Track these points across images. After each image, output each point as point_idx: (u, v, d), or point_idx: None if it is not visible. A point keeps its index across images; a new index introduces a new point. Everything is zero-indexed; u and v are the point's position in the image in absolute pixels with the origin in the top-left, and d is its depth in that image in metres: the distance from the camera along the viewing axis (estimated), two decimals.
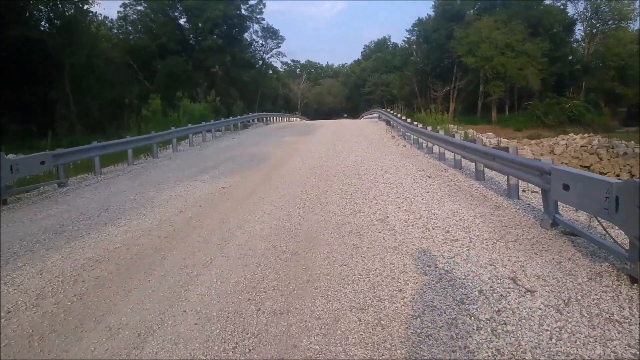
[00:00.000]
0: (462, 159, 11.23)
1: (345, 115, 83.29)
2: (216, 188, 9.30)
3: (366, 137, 19.92)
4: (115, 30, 50.36)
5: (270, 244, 5.56)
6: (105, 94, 36.34)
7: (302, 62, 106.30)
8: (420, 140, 15.96)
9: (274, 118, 38.10)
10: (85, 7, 30.24)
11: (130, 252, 5.43)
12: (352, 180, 9.58)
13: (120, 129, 24.92)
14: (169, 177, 10.94)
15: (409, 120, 20.19)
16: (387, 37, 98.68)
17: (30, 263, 5.18)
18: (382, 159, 12.99)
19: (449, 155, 13.08)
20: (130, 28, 51.05)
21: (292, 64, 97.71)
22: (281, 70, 79.46)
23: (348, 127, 26.86)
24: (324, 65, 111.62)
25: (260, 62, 63.73)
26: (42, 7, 30.35)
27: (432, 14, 60.84)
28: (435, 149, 14.10)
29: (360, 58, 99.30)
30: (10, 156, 10.07)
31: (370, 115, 41.93)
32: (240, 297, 4.08)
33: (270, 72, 69.08)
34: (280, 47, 64.31)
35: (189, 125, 18.58)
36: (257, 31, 60.37)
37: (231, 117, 25.76)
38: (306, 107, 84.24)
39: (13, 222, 7.24)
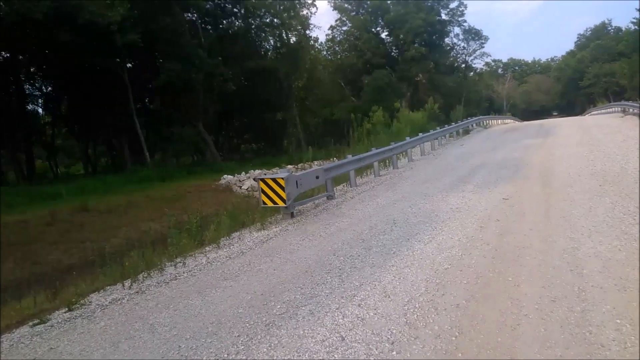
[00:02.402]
0: None
1: (556, 114, 74.83)
2: (496, 199, 8.37)
3: (632, 137, 16.71)
4: (325, 52, 53.95)
5: None
6: (322, 112, 39.03)
7: (505, 60, 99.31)
8: None
9: (490, 121, 35.80)
10: (307, 32, 32.72)
11: (466, 275, 4.83)
12: None
13: (341, 143, 26.06)
14: (429, 188, 10.42)
15: None
16: (606, 21, 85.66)
17: (367, 282, 4.95)
18: None
19: None
20: (337, 48, 54.09)
21: (493, 64, 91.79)
22: (483, 71, 75.38)
23: (590, 125, 23.28)
24: (529, 62, 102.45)
25: (463, 66, 61.28)
26: (270, 38, 33.92)
27: None
28: None
29: (573, 49, 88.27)
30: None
31: (602, 111, 36.34)
32: None
33: (472, 74, 66.05)
34: (483, 47, 60.87)
35: (420, 134, 18.15)
36: (457, 34, 58.31)
37: (453, 124, 24.73)
38: (512, 108, 78.16)
39: (312, 235, 7.42)
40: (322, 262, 5.87)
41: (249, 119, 40.09)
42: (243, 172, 24.41)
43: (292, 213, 9.09)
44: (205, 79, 25.04)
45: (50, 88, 34.15)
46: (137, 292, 5.83)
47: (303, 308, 4.48)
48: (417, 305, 4.23)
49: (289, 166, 26.67)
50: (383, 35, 54.01)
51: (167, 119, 27.14)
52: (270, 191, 8.60)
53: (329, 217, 8.80)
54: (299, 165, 26.50)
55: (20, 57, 29.35)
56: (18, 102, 30.50)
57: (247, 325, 4.27)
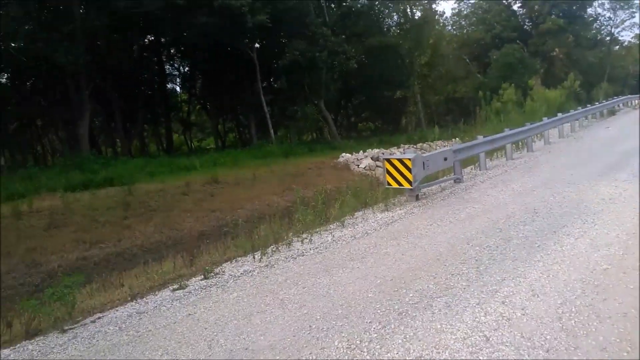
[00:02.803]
0: None
1: None
2: None
3: None
4: (450, 27, 51.36)
5: None
6: (444, 89, 37.39)
7: None
8: None
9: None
10: (432, 6, 31.27)
11: (632, 279, 4.13)
12: None
13: (465, 123, 24.74)
14: (573, 175, 9.33)
15: None
16: None
17: (509, 278, 4.47)
18: None
19: None
20: (463, 22, 51.18)
21: None
22: (631, 44, 66.23)
23: None
24: None
25: (608, 39, 54.43)
26: (394, 14, 32.99)
27: None
28: None
29: None
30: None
31: None
32: None
33: (617, 47, 58.47)
34: (634, 17, 53.37)
35: (560, 114, 16.42)
36: (603, 3, 51.73)
37: (596, 103, 22.10)
38: None
39: (441, 220, 7.01)
40: (454, 251, 5.48)
41: (367, 97, 39.79)
42: (361, 151, 24.30)
43: (417, 195, 8.71)
44: (329, 57, 25.16)
45: (187, 68, 36.96)
46: (267, 266, 5.96)
47: (438, 300, 4.18)
48: (573, 309, 3.70)
49: (408, 146, 26.07)
50: (515, 7, 49.94)
51: (291, 97, 27.90)
52: (395, 172, 8.31)
53: (458, 202, 8.27)
54: (418, 145, 25.79)
55: (163, 39, 32.08)
56: (160, 81, 33.51)
57: (379, 311, 4.08)
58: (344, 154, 23.91)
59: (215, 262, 6.66)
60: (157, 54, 32.65)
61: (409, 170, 8.12)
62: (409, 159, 8.11)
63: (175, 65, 37.42)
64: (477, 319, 3.72)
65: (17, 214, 12.82)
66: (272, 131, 27.19)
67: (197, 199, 15.97)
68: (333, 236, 6.98)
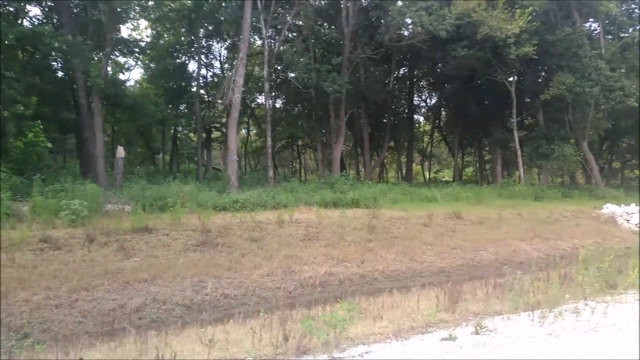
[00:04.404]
0: None
1: None
2: None
3: None
4: None
5: None
6: None
7: None
8: None
9: None
10: None
11: None
12: None
13: None
14: None
15: None
16: None
17: None
18: None
19: None
20: None
21: None
22: None
23: None
24: None
25: None
26: None
27: None
28: None
29: None
30: None
31: None
32: None
33: None
34: None
35: None
36: None
37: None
38: None
39: None
40: None
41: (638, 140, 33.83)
42: (633, 204, 20.40)
43: None
44: (601, 93, 21.95)
45: (434, 100, 37.35)
46: (550, 335, 4.99)
47: None
48: None
49: None
50: None
51: (546, 135, 25.31)
52: None
53: None
54: None
55: (415, 71, 33.07)
56: (407, 112, 34.55)
57: None
58: (608, 205, 20.45)
59: (478, 313, 5.98)
60: (409, 86, 33.76)
61: None
62: None
63: (423, 97, 38.22)
64: None
65: (280, 222, 14.35)
66: (521, 170, 25.03)
67: (438, 232, 15.49)
68: (635, 311, 5.57)
